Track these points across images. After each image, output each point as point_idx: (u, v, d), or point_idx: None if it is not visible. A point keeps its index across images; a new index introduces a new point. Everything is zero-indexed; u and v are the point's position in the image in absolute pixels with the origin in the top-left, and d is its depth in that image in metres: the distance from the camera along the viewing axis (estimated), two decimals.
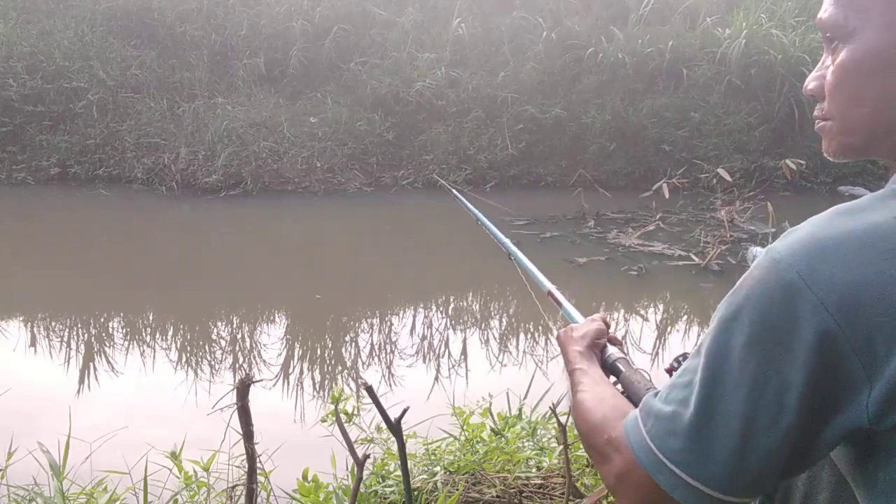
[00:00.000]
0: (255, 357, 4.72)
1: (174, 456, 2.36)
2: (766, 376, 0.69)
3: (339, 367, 4.68)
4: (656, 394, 0.79)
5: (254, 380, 1.89)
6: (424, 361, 4.68)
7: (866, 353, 0.66)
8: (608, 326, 1.19)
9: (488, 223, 1.78)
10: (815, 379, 0.68)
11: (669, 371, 1.13)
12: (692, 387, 0.74)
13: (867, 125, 0.81)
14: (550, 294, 1.41)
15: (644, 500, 0.77)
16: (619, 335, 1.19)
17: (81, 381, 4.28)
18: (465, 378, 4.36)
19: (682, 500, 0.73)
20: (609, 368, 1.13)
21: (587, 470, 2.47)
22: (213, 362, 4.69)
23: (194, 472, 2.35)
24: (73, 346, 4.83)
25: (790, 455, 0.72)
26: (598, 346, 1.15)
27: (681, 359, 0.95)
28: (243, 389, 1.87)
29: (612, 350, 1.15)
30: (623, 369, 1.11)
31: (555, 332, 1.21)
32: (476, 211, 1.86)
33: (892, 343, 0.65)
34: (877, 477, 0.71)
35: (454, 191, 2.09)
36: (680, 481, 0.73)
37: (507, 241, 1.66)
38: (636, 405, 0.98)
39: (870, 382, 0.66)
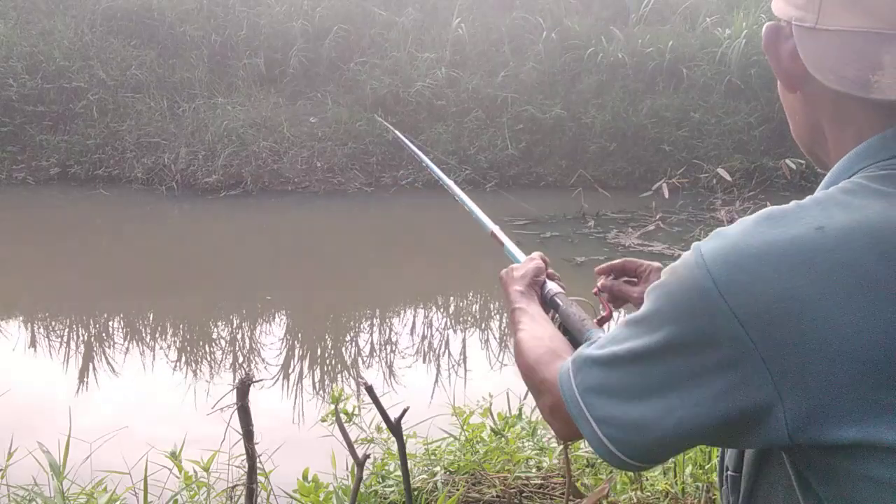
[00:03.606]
0: (255, 357, 4.72)
1: (174, 456, 2.36)
2: (680, 372, 0.71)
3: (339, 367, 4.68)
4: (590, 345, 0.83)
5: (254, 380, 1.89)
6: (424, 361, 4.68)
7: (777, 366, 0.66)
8: (546, 264, 1.25)
9: (431, 164, 1.80)
10: (729, 384, 0.68)
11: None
12: (617, 358, 0.76)
13: (798, 138, 0.88)
14: (493, 235, 1.46)
15: (571, 433, 0.82)
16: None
17: (81, 381, 4.27)
18: (465, 378, 4.36)
19: (595, 451, 0.78)
20: (548, 303, 1.20)
21: (587, 470, 2.47)
22: (213, 362, 4.69)
23: (194, 472, 2.35)
24: (73, 346, 4.83)
25: (702, 439, 0.75)
26: (537, 283, 1.21)
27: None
28: (243, 389, 1.87)
29: (550, 286, 1.22)
30: (561, 303, 1.18)
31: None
32: (415, 149, 1.88)
33: (804, 358, 0.65)
34: (819, 499, 0.71)
35: (394, 130, 2.15)
36: (595, 436, 0.77)
37: (450, 182, 1.69)
38: (573, 335, 1.10)
39: (780, 397, 0.66)
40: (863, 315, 0.64)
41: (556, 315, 1.18)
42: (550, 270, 1.26)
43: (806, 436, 0.67)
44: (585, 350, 0.82)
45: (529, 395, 3.15)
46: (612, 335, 0.79)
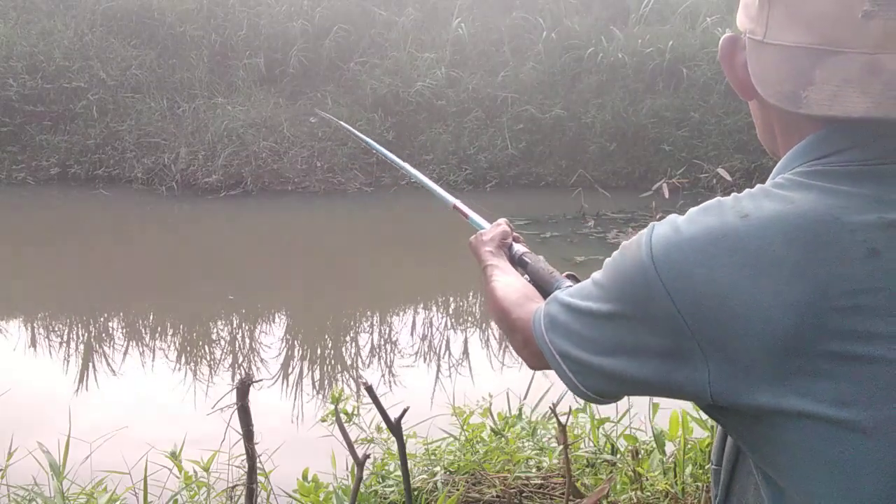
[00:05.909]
0: (254, 357, 4.72)
1: (174, 456, 2.36)
2: (626, 340, 0.81)
3: (339, 367, 4.68)
4: (563, 290, 0.92)
5: (254, 380, 1.89)
6: (424, 361, 4.68)
7: (703, 337, 0.75)
8: (511, 228, 1.36)
9: (383, 150, 1.86)
10: (666, 351, 0.78)
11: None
12: (579, 310, 0.86)
13: (761, 139, 0.93)
14: (456, 207, 1.54)
15: (540, 364, 0.93)
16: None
17: (81, 381, 4.27)
18: (465, 378, 4.36)
19: (561, 381, 0.88)
20: (517, 262, 1.30)
21: (587, 470, 2.47)
22: (212, 362, 4.69)
23: (194, 472, 2.35)
24: (73, 346, 4.83)
25: (646, 392, 0.84)
26: (505, 245, 1.33)
27: None
28: (243, 389, 1.87)
29: (517, 247, 1.33)
30: (529, 261, 1.28)
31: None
32: (363, 136, 1.94)
33: (724, 331, 0.74)
34: (768, 472, 0.79)
35: (336, 120, 2.23)
36: (560, 368, 0.87)
37: (405, 164, 1.77)
38: (543, 287, 1.20)
39: (707, 363, 0.75)
40: (770, 293, 0.72)
41: (526, 274, 1.26)
42: (516, 234, 1.36)
43: (725, 398, 0.76)
44: (558, 294, 0.91)
45: (530, 394, 3.16)
46: (581, 287, 0.89)
